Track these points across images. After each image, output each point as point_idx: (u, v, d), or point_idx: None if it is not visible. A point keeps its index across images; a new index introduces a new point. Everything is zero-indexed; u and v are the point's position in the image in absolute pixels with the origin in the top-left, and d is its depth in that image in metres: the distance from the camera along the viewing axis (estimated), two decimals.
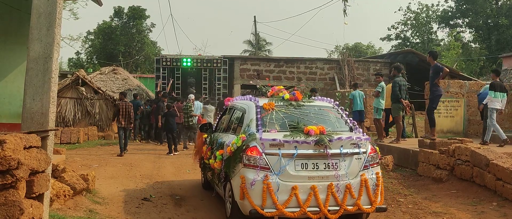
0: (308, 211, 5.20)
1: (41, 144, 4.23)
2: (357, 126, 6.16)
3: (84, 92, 17.54)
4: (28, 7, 5.07)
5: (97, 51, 41.03)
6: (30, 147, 3.95)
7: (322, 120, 6.00)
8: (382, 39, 46.45)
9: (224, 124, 7.26)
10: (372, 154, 5.71)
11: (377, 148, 6.10)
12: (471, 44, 39.14)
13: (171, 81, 20.48)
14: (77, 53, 42.50)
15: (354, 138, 5.62)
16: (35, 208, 3.95)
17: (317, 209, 5.24)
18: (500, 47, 34.88)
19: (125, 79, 22.36)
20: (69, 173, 6.59)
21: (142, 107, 16.93)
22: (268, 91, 6.74)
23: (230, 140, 5.95)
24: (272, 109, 6.01)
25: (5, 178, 3.51)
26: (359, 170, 5.53)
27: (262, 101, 6.19)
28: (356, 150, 5.58)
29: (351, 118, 6.35)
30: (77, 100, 17.55)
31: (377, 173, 5.66)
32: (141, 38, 41.26)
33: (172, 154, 13.33)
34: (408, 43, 42.85)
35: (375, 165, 5.73)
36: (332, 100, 6.81)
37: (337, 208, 5.30)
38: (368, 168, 5.59)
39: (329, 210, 5.24)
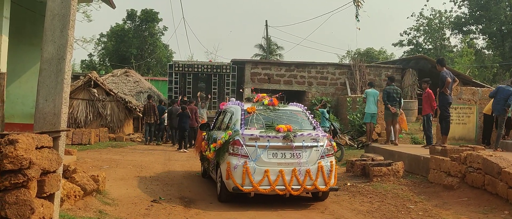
0: (276, 188, 6.82)
1: (52, 145, 4.26)
2: (319, 125, 7.85)
3: (96, 94, 17.69)
4: (42, 9, 5.14)
5: (109, 53, 41.31)
6: (42, 147, 3.98)
7: (291, 120, 7.64)
8: (394, 45, 46.15)
9: (218, 124, 8.89)
10: (328, 147, 7.30)
11: (334, 143, 7.78)
12: (485, 50, 38.73)
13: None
14: (90, 55, 42.87)
15: (314, 135, 7.24)
16: (45, 208, 3.98)
17: (283, 187, 6.85)
18: None
19: (137, 81, 22.49)
20: (80, 174, 6.62)
21: (166, 111, 18.06)
22: (254, 98, 8.53)
23: (221, 135, 7.48)
24: (253, 112, 7.71)
25: (16, 177, 3.54)
26: (317, 159, 7.10)
27: (247, 105, 7.99)
28: (315, 144, 7.16)
29: (315, 120, 8.12)
30: (89, 102, 17.70)
31: (331, 162, 7.23)
32: (153, 41, 41.48)
33: (182, 150, 15.21)
34: (421, 49, 42.50)
35: (330, 155, 7.31)
36: (303, 105, 8.59)
37: (299, 187, 6.92)
38: (324, 158, 7.17)
39: (292, 188, 6.87)
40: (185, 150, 15.31)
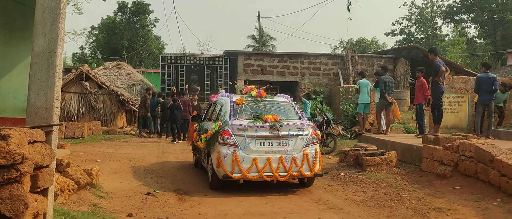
0: (264, 175, 7.19)
1: (45, 139, 4.23)
2: (304, 115, 8.19)
3: (88, 87, 17.60)
4: (32, 2, 5.08)
5: (101, 46, 41.10)
6: (35, 141, 3.95)
7: (278, 111, 7.96)
8: (387, 35, 46.38)
9: (209, 115, 9.26)
10: (312, 135, 7.64)
11: (319, 132, 8.15)
12: (476, 39, 38.96)
13: (187, 86, 20.85)
14: (81, 48, 42.71)
15: (299, 124, 7.61)
16: (39, 203, 3.97)
17: (270, 174, 7.22)
18: (505, 42, 34.68)
19: (129, 74, 22.40)
20: (73, 167, 6.60)
21: (160, 105, 17.73)
22: (243, 90, 8.87)
23: (211, 126, 7.78)
24: (242, 103, 7.98)
25: (9, 172, 3.52)
26: (302, 146, 7.46)
27: (236, 97, 8.27)
28: (300, 133, 7.51)
29: (301, 110, 8.44)
30: (81, 95, 17.61)
31: (315, 149, 7.58)
32: (144, 33, 41.27)
33: (175, 142, 15.30)
34: (413, 39, 42.66)
35: (315, 143, 7.68)
36: (289, 96, 8.86)
37: (285, 173, 7.30)
38: (309, 145, 7.53)
39: (279, 175, 7.25)
40: (178, 141, 15.51)
